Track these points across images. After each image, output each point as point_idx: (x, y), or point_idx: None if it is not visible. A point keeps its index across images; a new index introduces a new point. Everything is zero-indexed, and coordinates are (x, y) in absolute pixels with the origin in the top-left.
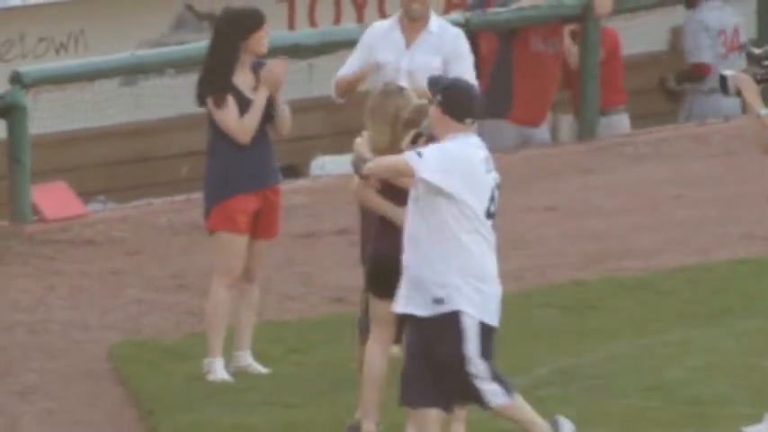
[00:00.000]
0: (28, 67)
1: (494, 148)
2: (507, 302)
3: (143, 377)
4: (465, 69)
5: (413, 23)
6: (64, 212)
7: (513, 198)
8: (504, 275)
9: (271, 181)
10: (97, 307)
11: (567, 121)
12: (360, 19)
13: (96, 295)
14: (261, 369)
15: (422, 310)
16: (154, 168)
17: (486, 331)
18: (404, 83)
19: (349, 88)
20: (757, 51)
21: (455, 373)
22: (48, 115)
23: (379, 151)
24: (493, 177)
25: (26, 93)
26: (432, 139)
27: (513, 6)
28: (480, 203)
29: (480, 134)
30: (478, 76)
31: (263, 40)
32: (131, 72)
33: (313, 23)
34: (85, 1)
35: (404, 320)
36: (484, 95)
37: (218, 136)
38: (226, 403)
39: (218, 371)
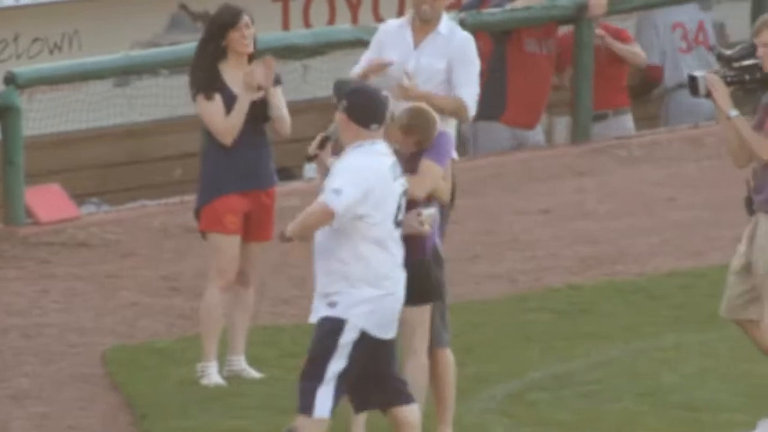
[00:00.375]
0: (22, 68)
1: (487, 150)
2: (501, 306)
3: (137, 381)
4: (468, 74)
5: (424, 25)
6: (57, 215)
7: (507, 200)
8: (497, 278)
9: (263, 183)
10: (91, 310)
11: (561, 124)
12: (354, 19)
13: (90, 298)
14: (255, 374)
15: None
16: (147, 170)
17: (368, 343)
18: (406, 82)
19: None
20: (728, 53)
21: (306, 370)
22: (41, 116)
23: None
24: (400, 184)
25: (20, 93)
26: (339, 143)
27: (507, 7)
28: (388, 215)
29: (474, 136)
30: None
31: (243, 39)
32: (125, 72)
33: (307, 24)
34: (79, 1)
35: None
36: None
37: (211, 136)
38: (220, 408)
39: (213, 375)
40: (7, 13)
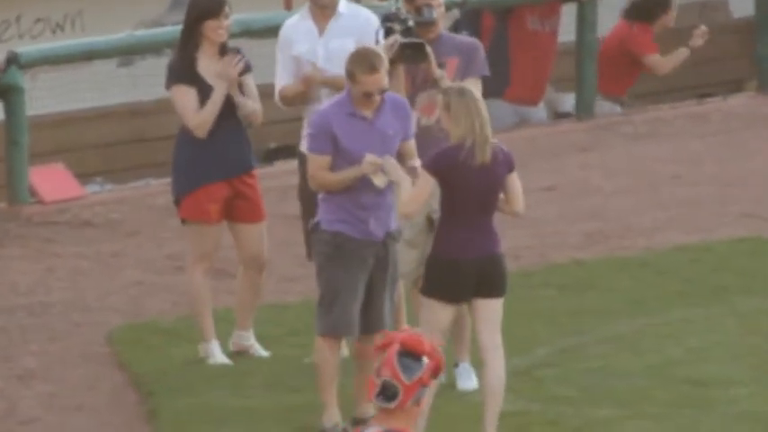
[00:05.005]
0: (25, 48)
1: (491, 127)
2: None
3: (143, 360)
4: None
5: (323, 11)
6: (62, 194)
7: None
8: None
9: (240, 170)
10: (96, 289)
11: (570, 99)
12: None
13: (95, 277)
14: (262, 352)
15: None
16: (151, 149)
17: None
18: (309, 70)
19: (296, 101)
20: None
21: None
22: (45, 95)
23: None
24: None
25: (24, 73)
26: None
27: None
28: None
29: None
30: None
31: (220, 29)
32: (129, 52)
33: None
34: None
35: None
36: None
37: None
38: (226, 386)
39: (217, 354)
40: None
